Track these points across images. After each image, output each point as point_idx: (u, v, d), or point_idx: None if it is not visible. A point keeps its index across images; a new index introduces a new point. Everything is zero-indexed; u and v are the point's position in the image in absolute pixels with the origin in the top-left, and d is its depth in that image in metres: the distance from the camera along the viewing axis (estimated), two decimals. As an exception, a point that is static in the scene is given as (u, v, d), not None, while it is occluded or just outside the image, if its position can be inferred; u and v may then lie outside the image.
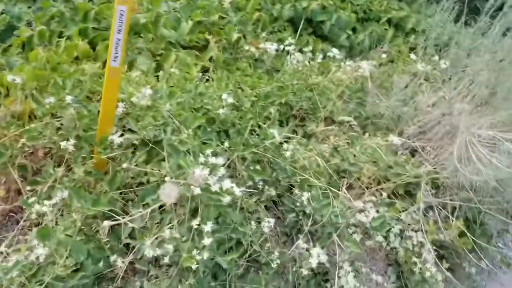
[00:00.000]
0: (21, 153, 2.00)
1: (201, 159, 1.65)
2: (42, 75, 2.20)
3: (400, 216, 2.31)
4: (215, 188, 1.61)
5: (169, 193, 1.49)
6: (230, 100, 2.11)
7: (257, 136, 2.26)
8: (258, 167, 2.17)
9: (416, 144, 2.59)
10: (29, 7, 3.32)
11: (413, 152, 2.65)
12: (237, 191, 1.64)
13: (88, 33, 2.57)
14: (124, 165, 1.74)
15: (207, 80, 2.65)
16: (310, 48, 3.14)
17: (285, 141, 2.36)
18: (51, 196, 1.81)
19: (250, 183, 2.14)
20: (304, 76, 2.84)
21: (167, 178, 1.56)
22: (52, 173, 1.85)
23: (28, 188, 1.89)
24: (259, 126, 2.34)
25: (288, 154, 2.16)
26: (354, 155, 2.42)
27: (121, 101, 1.96)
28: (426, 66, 2.91)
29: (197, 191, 1.54)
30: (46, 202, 1.76)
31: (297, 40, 3.43)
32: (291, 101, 2.73)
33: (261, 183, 2.18)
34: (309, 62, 3.03)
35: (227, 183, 1.63)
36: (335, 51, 2.87)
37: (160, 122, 1.90)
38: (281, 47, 3.08)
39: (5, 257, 1.72)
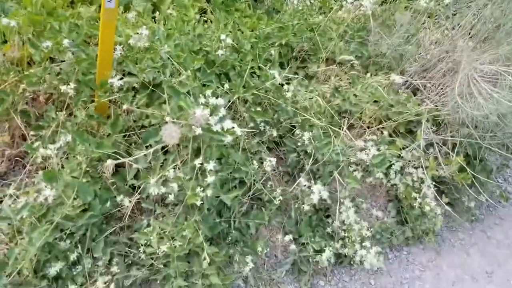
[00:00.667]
0: (22, 99, 2.00)
1: (202, 100, 1.65)
2: (38, 20, 2.16)
3: (401, 153, 2.34)
4: (216, 128, 1.62)
5: (171, 133, 1.50)
6: (229, 41, 2.08)
7: (257, 78, 2.25)
8: (259, 108, 2.18)
9: (417, 82, 2.57)
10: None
11: (415, 91, 2.64)
12: (239, 131, 1.65)
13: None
14: (125, 107, 1.75)
15: (205, 21, 2.59)
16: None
17: (286, 83, 2.36)
18: (55, 140, 1.83)
19: (251, 124, 2.15)
20: (305, 16, 2.78)
21: (167, 119, 1.57)
22: (55, 118, 1.86)
23: (32, 133, 1.91)
24: (259, 68, 2.32)
25: (289, 95, 2.16)
26: (355, 95, 2.41)
27: (118, 44, 1.94)
28: (429, 2, 2.83)
29: (199, 131, 1.56)
30: (50, 146, 1.78)
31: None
32: (291, 42, 2.69)
33: (262, 124, 2.20)
34: (309, 1, 2.95)
35: (228, 123, 1.64)
36: (335, -12, 2.79)
37: (159, 64, 1.88)
38: (281, -14, 2.99)
39: (14, 199, 1.77)
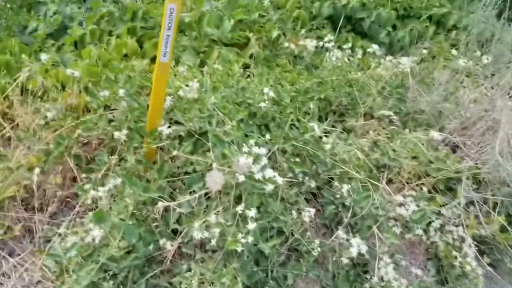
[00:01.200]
0: (76, 144, 2.14)
1: (245, 149, 1.73)
2: (95, 71, 2.34)
3: (441, 210, 2.32)
4: (258, 176, 1.68)
5: (215, 180, 1.57)
6: (271, 94, 2.18)
7: (296, 130, 2.32)
8: (298, 159, 2.24)
9: (457, 140, 2.57)
10: (79, 8, 3.51)
11: (454, 148, 2.64)
12: (279, 179, 1.70)
13: (136, 32, 2.71)
14: (174, 153, 1.84)
15: (248, 76, 2.73)
16: (349, 45, 3.18)
17: (324, 135, 2.42)
18: (105, 183, 1.93)
19: (290, 175, 2.20)
20: (344, 72, 2.88)
21: (214, 165, 1.64)
22: (106, 162, 1.97)
23: (83, 175, 2.02)
24: (298, 120, 2.39)
25: (328, 147, 2.21)
26: (394, 150, 2.44)
27: (168, 95, 2.06)
28: (468, 62, 2.88)
29: (242, 178, 1.61)
30: (100, 188, 1.87)
31: (337, 37, 3.47)
32: (330, 97, 2.77)
33: (301, 175, 2.24)
34: (348, 58, 3.07)
35: (270, 172, 1.70)
36: (375, 47, 2.89)
37: (206, 114, 1.99)
38: (320, 44, 3.13)
39: (63, 239, 1.85)
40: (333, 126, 2.71)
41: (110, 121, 2.12)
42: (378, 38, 3.86)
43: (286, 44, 3.15)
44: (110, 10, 2.83)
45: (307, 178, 2.24)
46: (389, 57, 2.88)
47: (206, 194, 1.86)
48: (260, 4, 3.46)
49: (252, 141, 1.77)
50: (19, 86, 2.23)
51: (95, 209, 1.93)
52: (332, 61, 3.01)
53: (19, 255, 1.92)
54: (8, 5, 3.91)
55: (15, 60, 2.52)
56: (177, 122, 2.08)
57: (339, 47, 3.14)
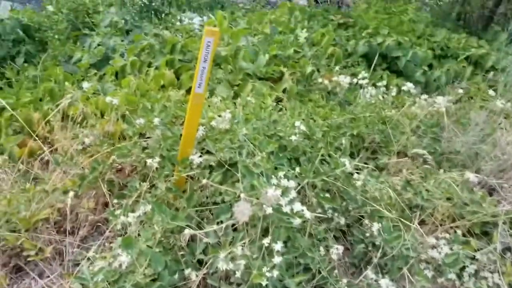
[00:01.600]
0: (110, 169, 2.19)
1: (274, 181, 1.72)
2: (133, 100, 2.41)
3: (475, 255, 2.22)
4: (286, 209, 1.67)
5: (243, 211, 1.57)
6: (303, 127, 2.19)
7: (327, 165, 2.30)
8: (327, 195, 2.21)
9: (493, 182, 2.49)
10: (122, 40, 3.67)
11: (490, 191, 2.55)
12: (308, 214, 1.68)
13: (174, 64, 2.80)
14: (203, 181, 1.85)
15: (280, 109, 2.75)
16: (384, 82, 3.17)
17: (356, 172, 2.38)
18: (135, 209, 1.95)
19: (319, 210, 2.17)
20: (377, 109, 2.86)
21: (242, 196, 1.65)
22: (137, 188, 2.00)
23: (115, 201, 2.06)
24: (329, 156, 2.38)
25: (358, 183, 2.18)
26: (428, 190, 2.38)
27: (201, 125, 2.10)
28: (506, 103, 2.82)
29: (269, 210, 1.61)
30: (130, 214, 1.90)
31: (371, 75, 3.48)
32: (363, 133, 2.76)
33: (330, 211, 2.21)
34: (382, 96, 3.05)
35: (298, 206, 1.68)
36: (409, 85, 2.87)
37: (236, 145, 2.01)
38: (354, 80, 3.14)
39: (91, 263, 1.88)
40: (365, 163, 2.68)
41: (144, 148, 2.17)
42: (413, 76, 3.86)
43: (320, 80, 3.18)
44: (150, 43, 2.94)
45: (336, 214, 2.20)
46: (424, 96, 2.84)
47: (233, 225, 1.86)
48: (295, 40, 3.53)
49: (281, 174, 1.77)
50: (60, 112, 2.32)
51: (124, 235, 1.96)
52: (366, 98, 3.01)
53: (48, 277, 1.95)
54: (56, 36, 4.13)
55: (58, 88, 2.65)
56: (209, 152, 2.11)
57: (374, 85, 3.14)
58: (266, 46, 3.28)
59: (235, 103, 2.54)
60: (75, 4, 4.57)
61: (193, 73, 2.71)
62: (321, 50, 3.49)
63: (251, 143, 2.01)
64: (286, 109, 2.71)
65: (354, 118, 2.78)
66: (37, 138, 2.40)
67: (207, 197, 2.08)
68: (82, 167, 2.19)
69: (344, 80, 3.12)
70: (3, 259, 1.95)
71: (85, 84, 2.30)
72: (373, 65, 3.58)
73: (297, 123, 2.18)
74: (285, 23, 3.91)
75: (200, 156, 1.99)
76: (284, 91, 3.05)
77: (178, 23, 3.33)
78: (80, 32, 4.24)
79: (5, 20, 4.19)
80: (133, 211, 1.96)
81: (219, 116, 2.04)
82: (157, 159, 1.95)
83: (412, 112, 2.84)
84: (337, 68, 3.39)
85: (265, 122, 2.39)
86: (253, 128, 2.11)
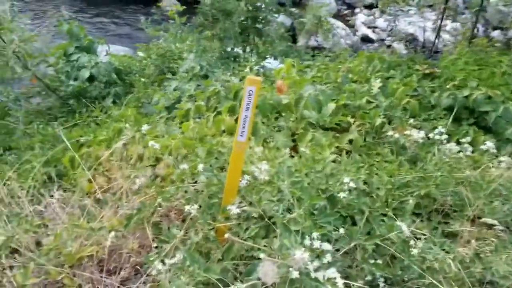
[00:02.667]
0: (157, 212, 2.20)
1: (307, 241, 1.59)
2: (189, 144, 2.44)
3: None
4: (318, 275, 1.51)
5: (266, 271, 1.45)
6: (352, 184, 2.02)
7: (383, 227, 2.09)
8: (380, 261, 1.99)
9: None
10: (199, 85, 3.81)
11: None
12: (341, 282, 1.51)
13: (235, 110, 2.81)
14: (241, 237, 1.78)
15: (340, 162, 2.60)
16: (469, 139, 2.87)
17: (423, 237, 2.14)
18: (174, 256, 1.91)
19: (369, 277, 1.96)
20: (452, 168, 2.59)
21: (262, 256, 1.53)
22: (176, 234, 1.97)
23: (155, 245, 2.04)
24: (385, 215, 2.17)
25: (414, 251, 1.94)
26: (507, 265, 2.05)
27: (247, 174, 2.04)
28: None
29: (295, 274, 1.47)
30: (166, 261, 1.86)
31: (456, 129, 3.21)
32: (433, 194, 2.50)
33: (382, 280, 1.98)
34: (462, 154, 2.76)
35: (331, 272, 1.52)
36: (489, 144, 2.57)
37: (276, 198, 1.91)
38: (431, 135, 2.89)
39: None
40: (434, 228, 2.41)
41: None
42: (504, 134, 3.49)
43: (390, 133, 2.97)
44: (217, 89, 3.00)
45: (388, 284, 1.97)
46: (506, 157, 2.52)
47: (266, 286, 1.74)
48: (368, 90, 3.38)
49: (316, 234, 1.63)
50: (120, 152, 2.41)
51: (159, 281, 1.92)
52: (441, 155, 2.74)
53: (83, 315, 1.97)
54: (143, 79, 4.42)
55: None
56: (252, 204, 2.03)
57: (458, 141, 2.86)
58: (335, 95, 3.18)
59: (291, 154, 2.46)
60: (163, 50, 4.88)
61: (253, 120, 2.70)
62: (395, 101, 3.30)
63: (292, 197, 1.89)
64: (344, 163, 2.56)
65: (423, 177, 2.53)
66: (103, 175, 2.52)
67: (246, 250, 1.98)
68: (132, 208, 2.23)
69: (418, 134, 2.89)
70: (45, 292, 2.01)
71: (145, 127, 2.38)
72: (451, 118, 3.30)
73: (346, 179, 2.02)
74: (361, 72, 3.79)
75: (240, 206, 1.91)
76: (350, 142, 2.91)
77: (246, 70, 3.38)
78: (164, 76, 4.50)
79: (100, 63, 4.58)
80: (172, 257, 1.92)
81: (257, 167, 1.97)
82: (196, 206, 1.91)
83: (491, 174, 2.52)
84: (411, 120, 3.16)
85: (319, 174, 2.26)
86: (297, 181, 1.99)
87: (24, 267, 1.97)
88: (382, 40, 11.84)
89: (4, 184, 2.76)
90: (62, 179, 3.06)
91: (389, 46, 10.88)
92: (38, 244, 2.21)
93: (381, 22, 12.46)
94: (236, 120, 2.77)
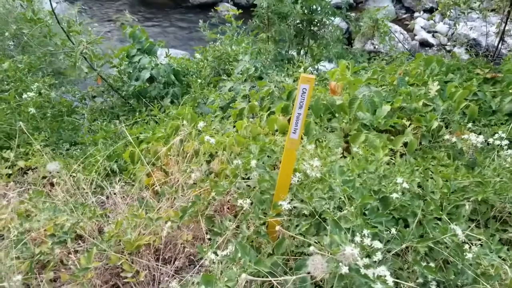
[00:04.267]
0: (210, 206, 2.28)
1: (357, 238, 1.60)
2: (242, 141, 2.51)
3: None
4: (369, 272, 1.52)
5: (316, 265, 1.47)
6: (405, 185, 2.00)
7: (437, 231, 2.05)
8: (433, 264, 1.96)
9: None
10: (253, 87, 3.88)
11: None
12: (391, 280, 1.50)
13: (288, 110, 2.85)
14: (291, 230, 1.81)
15: (393, 164, 2.57)
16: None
17: (472, 243, 2.08)
18: (226, 248, 1.98)
19: (420, 280, 1.93)
20: (512, 175, 2.49)
21: (311, 249, 1.55)
22: (228, 227, 2.04)
23: (208, 237, 2.12)
24: (439, 219, 2.13)
25: (469, 256, 1.89)
26: None
27: (298, 172, 2.07)
28: None
29: (345, 270, 1.48)
30: (218, 252, 1.93)
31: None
32: (491, 200, 2.41)
33: (434, 283, 1.94)
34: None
35: (381, 270, 1.52)
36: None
37: (327, 196, 1.92)
38: (490, 140, 2.79)
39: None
40: (491, 235, 2.33)
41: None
42: None
43: (447, 137, 2.90)
44: (270, 90, 3.05)
45: (440, 288, 1.93)
46: None
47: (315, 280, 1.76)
48: (425, 93, 3.31)
49: (366, 232, 1.63)
50: (177, 148, 2.52)
51: (210, 272, 1.99)
52: (500, 161, 2.64)
53: (139, 299, 2.08)
54: (199, 81, 4.55)
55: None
56: (304, 201, 2.06)
57: (518, 146, 2.75)
58: (391, 98, 3.13)
59: (343, 153, 2.46)
60: (219, 52, 5.01)
61: (307, 120, 2.72)
62: (454, 104, 3.20)
63: (344, 195, 1.90)
64: (398, 164, 2.53)
65: (481, 182, 2.45)
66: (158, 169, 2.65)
67: (296, 246, 2.01)
68: (187, 201, 2.32)
69: (477, 139, 2.80)
70: (105, 277, 2.14)
71: (200, 124, 2.47)
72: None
73: (399, 180, 2.00)
74: (418, 74, 3.71)
75: (290, 202, 1.95)
76: (405, 145, 2.86)
77: (300, 70, 3.41)
78: (219, 78, 4.62)
79: (159, 65, 4.77)
80: (223, 249, 1.99)
81: (309, 163, 1.99)
82: (248, 201, 1.97)
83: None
84: (469, 125, 3.06)
85: (372, 175, 2.25)
86: (347, 179, 2.00)
87: (87, 251, 2.10)
88: (442, 45, 11.44)
89: (71, 176, 2.95)
90: (123, 173, 3.23)
91: (449, 51, 10.50)
92: (100, 231, 2.36)
93: (441, 27, 12.06)
94: (289, 120, 2.81)
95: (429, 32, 12.32)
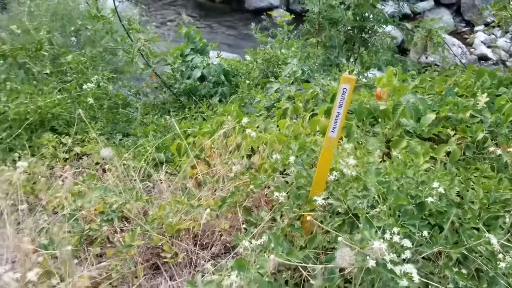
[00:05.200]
0: (248, 197, 2.38)
1: (387, 235, 1.64)
2: (283, 139, 2.59)
3: None
4: (396, 268, 1.56)
5: (344, 256, 1.53)
6: (441, 190, 2.01)
7: (472, 239, 2.05)
8: (465, 270, 1.96)
9: None
10: (299, 89, 3.96)
11: None
12: (417, 278, 1.54)
13: (331, 112, 2.90)
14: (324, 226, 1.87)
15: (433, 172, 2.57)
16: None
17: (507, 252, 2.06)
18: (260, 237, 2.07)
19: (451, 286, 1.94)
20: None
21: (339, 239, 1.61)
22: (263, 218, 2.13)
23: (244, 226, 2.22)
24: (477, 229, 2.12)
25: (502, 265, 1.88)
26: None
27: (335, 170, 2.13)
28: None
29: (372, 263, 1.53)
30: (253, 241, 2.03)
31: None
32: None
33: (466, 290, 1.94)
34: None
35: (408, 267, 1.56)
36: None
37: (361, 194, 1.97)
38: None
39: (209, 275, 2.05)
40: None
41: (281, 183, 2.30)
42: None
43: (492, 149, 2.85)
44: (315, 92, 3.12)
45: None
46: None
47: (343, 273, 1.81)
48: (473, 104, 3.26)
49: (396, 229, 1.67)
50: (220, 142, 2.64)
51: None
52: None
53: (175, 280, 2.20)
54: (248, 82, 4.69)
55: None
56: (339, 199, 2.12)
57: None
58: (437, 107, 3.11)
59: (383, 159, 2.49)
60: (268, 55, 5.13)
61: (348, 123, 2.77)
62: (503, 117, 3.13)
63: (378, 195, 1.94)
64: (438, 172, 2.52)
65: (523, 195, 2.41)
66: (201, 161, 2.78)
67: (328, 242, 2.07)
68: (227, 191, 2.43)
69: (524, 152, 2.74)
70: (146, 255, 2.28)
71: (244, 119, 2.57)
72: None
73: (435, 184, 2.01)
74: (468, 86, 3.65)
75: (325, 199, 2.01)
76: (448, 154, 2.84)
77: (346, 73, 3.44)
78: (267, 80, 4.73)
79: (210, 65, 4.95)
80: (258, 238, 2.08)
81: (345, 161, 2.04)
82: (284, 194, 2.05)
83: None
84: (518, 138, 2.99)
85: (410, 180, 2.27)
86: (382, 180, 2.03)
87: (131, 231, 2.26)
88: (502, 60, 11.03)
89: (122, 164, 3.14)
90: (169, 164, 3.40)
91: (507, 67, 10.11)
92: (145, 214, 2.51)
93: (502, 42, 11.63)
94: (331, 122, 2.87)
95: (489, 47, 11.94)
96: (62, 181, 3.08)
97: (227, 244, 2.35)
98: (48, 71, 4.73)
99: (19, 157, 3.38)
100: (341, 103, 1.85)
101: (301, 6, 13.06)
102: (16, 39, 5.07)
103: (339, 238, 1.62)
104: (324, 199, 1.96)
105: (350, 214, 1.97)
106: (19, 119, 3.80)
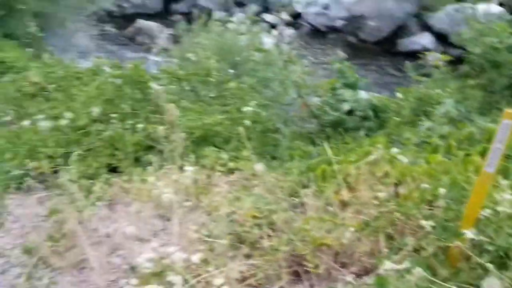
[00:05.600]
0: (392, 225, 2.44)
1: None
2: (433, 174, 2.60)
3: None
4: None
5: (491, 285, 1.52)
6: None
7: None
8: None
9: None
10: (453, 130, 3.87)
11: None
12: None
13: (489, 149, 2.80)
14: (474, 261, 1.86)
15: None
16: None
17: None
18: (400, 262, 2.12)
19: None
20: None
21: (488, 265, 1.58)
22: (407, 244, 2.17)
23: (386, 250, 2.29)
24: None
25: None
26: None
27: (487, 208, 2.09)
28: None
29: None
30: (394, 265, 2.08)
31: None
32: None
33: None
34: None
35: None
36: None
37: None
38: None
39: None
40: None
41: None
42: None
43: None
44: (471, 131, 3.05)
45: None
46: None
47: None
48: None
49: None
50: (366, 169, 2.76)
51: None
52: None
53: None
54: (397, 118, 4.71)
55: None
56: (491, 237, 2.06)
57: None
58: None
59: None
60: (421, 94, 5.08)
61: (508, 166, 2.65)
62: None
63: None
64: None
65: None
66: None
67: (474, 279, 2.02)
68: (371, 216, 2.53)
69: None
70: (289, 262, 2.47)
71: (394, 149, 2.65)
72: None
73: None
74: None
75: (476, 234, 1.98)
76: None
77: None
78: (418, 118, 4.68)
79: (360, 99, 5.10)
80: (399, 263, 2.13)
81: (500, 195, 1.99)
82: (431, 223, 2.07)
83: None
84: None
85: None
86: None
87: (277, 237, 2.49)
88: None
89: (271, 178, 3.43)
90: (313, 186, 3.60)
91: None
92: (290, 225, 2.73)
93: None
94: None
95: None
96: (219, 188, 3.49)
97: (366, 266, 2.43)
98: (213, 95, 5.38)
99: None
100: (501, 139, 1.85)
101: (459, 51, 12.50)
102: (187, 66, 5.89)
103: (489, 266, 1.61)
104: (474, 234, 1.95)
105: (501, 253, 1.92)
106: (189, 132, 4.39)
